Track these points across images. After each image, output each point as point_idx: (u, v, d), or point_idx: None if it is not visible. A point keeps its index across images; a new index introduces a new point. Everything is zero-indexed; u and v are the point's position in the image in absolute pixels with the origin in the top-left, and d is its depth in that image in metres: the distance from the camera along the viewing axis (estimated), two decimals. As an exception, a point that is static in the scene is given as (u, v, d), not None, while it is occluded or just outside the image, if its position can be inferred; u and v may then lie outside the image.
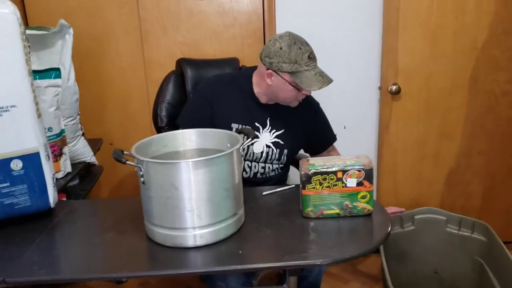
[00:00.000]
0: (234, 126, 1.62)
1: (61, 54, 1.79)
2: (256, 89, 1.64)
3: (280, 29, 2.20)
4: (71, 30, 1.78)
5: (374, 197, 1.41)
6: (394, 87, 2.24)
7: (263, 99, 1.65)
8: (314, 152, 1.78)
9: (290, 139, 1.67)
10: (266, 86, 1.59)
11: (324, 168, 1.22)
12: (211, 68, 1.79)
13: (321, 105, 1.77)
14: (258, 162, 1.66)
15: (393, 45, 2.20)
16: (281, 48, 1.49)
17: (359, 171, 1.21)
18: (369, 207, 1.24)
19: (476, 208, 2.42)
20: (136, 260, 1.12)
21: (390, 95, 2.27)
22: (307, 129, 1.70)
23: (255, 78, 1.65)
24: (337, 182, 1.22)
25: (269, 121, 1.65)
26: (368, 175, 1.21)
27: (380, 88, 2.30)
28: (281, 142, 1.66)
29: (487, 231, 1.95)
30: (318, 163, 1.24)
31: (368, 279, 2.24)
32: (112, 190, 2.43)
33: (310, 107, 1.71)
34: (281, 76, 1.53)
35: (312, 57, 1.51)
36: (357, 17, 2.22)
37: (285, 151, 1.67)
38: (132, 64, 2.27)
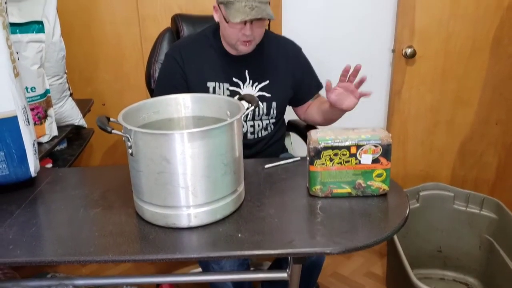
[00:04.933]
0: (211, 85, 1.50)
1: (44, 5, 1.62)
2: (222, 40, 1.51)
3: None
4: (55, -22, 1.61)
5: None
6: (409, 50, 2.06)
7: (231, 51, 1.50)
8: (299, 103, 1.63)
9: (277, 90, 1.54)
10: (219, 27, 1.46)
11: (336, 142, 1.07)
12: (209, 25, 1.61)
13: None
14: (245, 121, 1.53)
15: (410, 2, 2.01)
16: None
17: (375, 146, 1.07)
18: (384, 186, 1.11)
19: (489, 182, 2.29)
20: (123, 241, 1.00)
21: (404, 58, 2.09)
22: (292, 76, 1.56)
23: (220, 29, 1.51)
24: (350, 158, 1.08)
25: (248, 74, 1.51)
26: (386, 151, 1.07)
27: (393, 51, 2.12)
28: (267, 95, 1.52)
29: (498, 208, 1.84)
30: (329, 136, 1.09)
31: (372, 254, 2.16)
32: (105, 155, 2.31)
33: (291, 53, 1.58)
34: (220, 9, 1.39)
35: None
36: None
37: (273, 104, 1.54)
38: (125, 19, 2.10)
